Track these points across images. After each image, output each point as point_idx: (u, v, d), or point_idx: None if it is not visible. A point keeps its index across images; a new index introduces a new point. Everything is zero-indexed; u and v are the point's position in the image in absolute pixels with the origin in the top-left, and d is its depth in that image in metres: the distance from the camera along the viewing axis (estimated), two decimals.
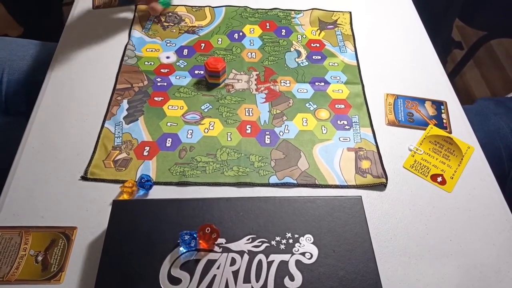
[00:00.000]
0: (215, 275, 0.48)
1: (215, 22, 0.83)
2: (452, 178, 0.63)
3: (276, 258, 0.49)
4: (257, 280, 0.48)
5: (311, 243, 0.51)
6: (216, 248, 0.50)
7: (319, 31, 0.83)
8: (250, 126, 0.67)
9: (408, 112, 0.70)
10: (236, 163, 0.62)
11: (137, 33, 0.80)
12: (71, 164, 0.61)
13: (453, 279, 0.53)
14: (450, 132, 0.68)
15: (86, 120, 0.66)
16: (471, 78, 1.67)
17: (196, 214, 0.52)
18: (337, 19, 0.86)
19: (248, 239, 0.50)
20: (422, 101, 0.72)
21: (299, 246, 0.50)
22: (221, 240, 0.50)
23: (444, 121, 0.69)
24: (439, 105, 0.71)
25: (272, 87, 0.73)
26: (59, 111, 0.67)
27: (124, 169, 0.61)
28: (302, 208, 0.54)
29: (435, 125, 0.68)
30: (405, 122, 0.69)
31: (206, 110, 0.69)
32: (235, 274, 0.48)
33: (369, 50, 0.80)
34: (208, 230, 0.50)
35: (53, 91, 0.70)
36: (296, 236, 0.51)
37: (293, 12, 0.86)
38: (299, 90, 0.73)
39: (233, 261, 0.49)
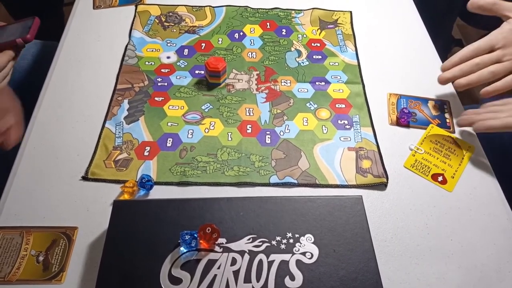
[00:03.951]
0: (215, 275, 0.48)
1: (215, 22, 0.83)
2: (453, 177, 0.62)
3: (277, 258, 0.49)
4: (258, 280, 0.48)
5: (312, 242, 0.51)
6: (217, 248, 0.50)
7: (319, 30, 0.83)
8: (250, 126, 0.67)
9: (412, 111, 0.70)
10: (236, 163, 0.62)
11: (137, 33, 0.80)
12: (72, 164, 0.61)
13: (454, 279, 0.53)
14: (453, 132, 0.68)
15: (86, 120, 0.66)
16: None
17: (196, 214, 0.52)
18: (337, 19, 0.86)
19: (249, 239, 0.50)
20: (425, 100, 0.72)
21: (300, 246, 0.50)
22: (221, 240, 0.50)
23: (447, 120, 0.69)
24: (442, 104, 0.71)
25: (272, 86, 0.73)
26: (59, 111, 0.67)
27: (124, 169, 0.61)
28: (303, 207, 0.53)
29: (438, 125, 0.68)
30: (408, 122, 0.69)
31: (206, 110, 0.69)
32: (236, 274, 0.48)
33: (370, 50, 0.80)
34: (208, 230, 0.50)
35: (53, 91, 0.70)
36: (297, 235, 0.51)
37: (293, 11, 0.86)
38: (299, 90, 0.73)
39: (233, 261, 0.49)
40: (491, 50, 0.69)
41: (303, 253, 0.50)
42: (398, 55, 0.79)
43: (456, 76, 0.69)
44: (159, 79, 0.73)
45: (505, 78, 0.65)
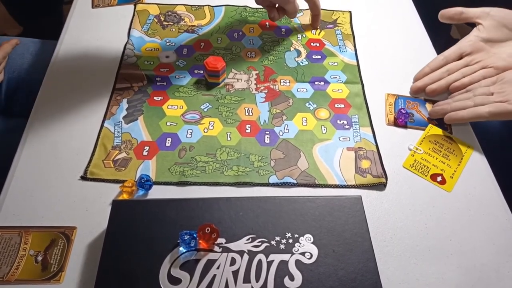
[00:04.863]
0: (215, 275, 0.48)
1: (214, 21, 0.83)
2: (452, 177, 0.63)
3: (276, 258, 0.49)
4: (257, 280, 0.48)
5: (311, 243, 0.51)
6: (216, 248, 0.50)
7: (319, 30, 0.83)
8: (249, 125, 0.67)
9: (409, 112, 0.70)
10: (235, 163, 0.62)
11: (136, 32, 0.80)
12: (71, 164, 0.61)
13: (453, 279, 0.53)
14: (451, 133, 0.68)
15: (85, 119, 0.66)
16: None
17: (195, 214, 0.52)
18: (337, 19, 0.85)
19: (248, 239, 0.50)
20: (423, 101, 0.72)
21: (299, 246, 0.50)
22: (220, 240, 0.50)
23: None
24: None
25: (271, 86, 0.73)
26: (58, 110, 0.67)
27: (123, 169, 0.61)
28: (302, 208, 0.53)
29: (435, 125, 0.68)
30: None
31: (205, 109, 0.69)
32: (235, 274, 0.48)
33: (369, 50, 0.80)
34: (208, 230, 0.50)
35: (52, 90, 0.70)
36: (296, 236, 0.51)
37: None
38: (298, 90, 0.73)
39: (233, 261, 0.49)
40: (460, 58, 0.72)
41: (303, 253, 0.50)
42: (398, 55, 0.79)
43: (426, 84, 0.72)
44: (158, 79, 0.73)
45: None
